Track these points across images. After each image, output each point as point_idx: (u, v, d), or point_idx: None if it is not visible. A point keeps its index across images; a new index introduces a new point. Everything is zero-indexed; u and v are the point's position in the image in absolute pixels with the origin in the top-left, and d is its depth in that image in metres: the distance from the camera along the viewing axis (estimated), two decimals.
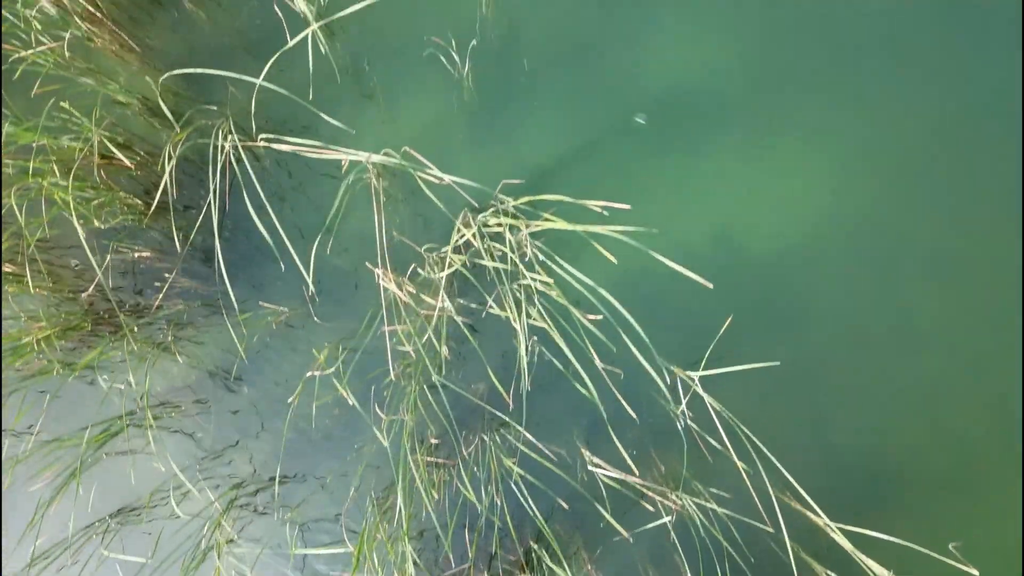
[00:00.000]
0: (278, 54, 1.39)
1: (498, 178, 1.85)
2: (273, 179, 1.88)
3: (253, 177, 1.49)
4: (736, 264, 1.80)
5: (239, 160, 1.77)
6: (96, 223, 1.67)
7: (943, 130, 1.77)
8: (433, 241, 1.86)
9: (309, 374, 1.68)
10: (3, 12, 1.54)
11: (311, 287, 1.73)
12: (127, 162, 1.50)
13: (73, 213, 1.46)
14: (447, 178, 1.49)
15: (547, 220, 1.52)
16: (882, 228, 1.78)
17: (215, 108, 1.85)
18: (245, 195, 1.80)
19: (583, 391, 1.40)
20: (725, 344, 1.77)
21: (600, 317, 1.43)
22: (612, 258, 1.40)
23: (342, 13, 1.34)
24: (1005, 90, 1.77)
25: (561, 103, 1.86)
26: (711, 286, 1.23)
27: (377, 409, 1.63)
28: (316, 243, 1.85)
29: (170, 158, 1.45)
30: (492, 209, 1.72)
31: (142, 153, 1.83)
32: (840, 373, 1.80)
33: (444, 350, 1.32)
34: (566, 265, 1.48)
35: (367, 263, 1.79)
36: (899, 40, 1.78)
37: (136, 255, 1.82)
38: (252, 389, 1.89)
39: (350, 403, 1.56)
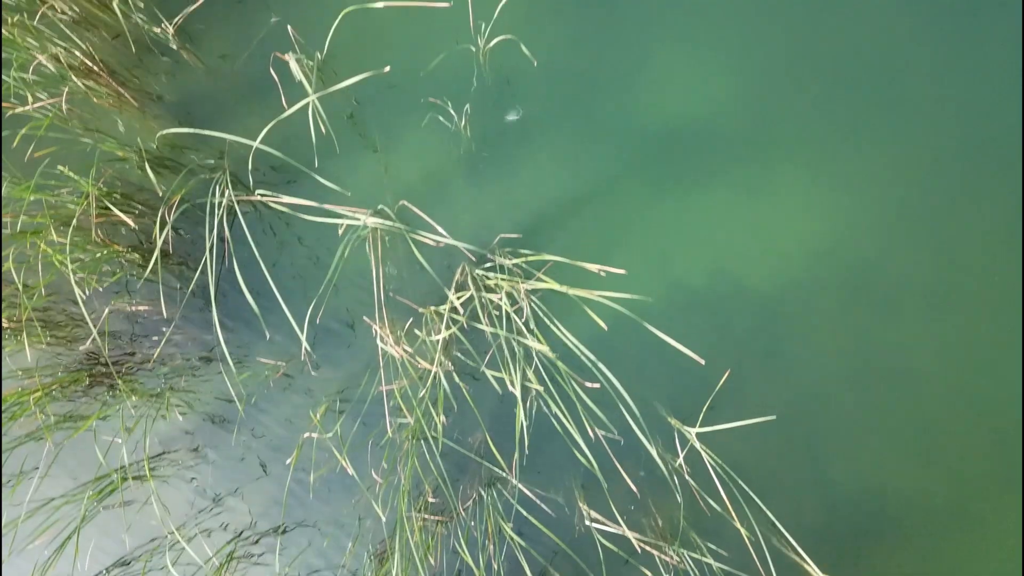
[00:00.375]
0: (275, 121, 1.39)
1: (496, 224, 1.85)
2: (271, 229, 1.88)
3: (248, 235, 1.50)
4: (734, 302, 1.80)
5: (239, 213, 1.78)
6: (94, 284, 1.67)
7: (941, 167, 1.77)
8: (433, 286, 1.86)
9: (306, 435, 1.69)
10: (2, 75, 1.55)
11: (306, 346, 1.73)
12: (125, 219, 1.51)
13: (71, 275, 1.46)
14: (444, 240, 1.49)
15: (541, 280, 1.52)
16: (880, 266, 1.78)
17: (212, 161, 1.86)
18: (235, 258, 1.81)
19: (582, 459, 1.40)
20: (725, 382, 1.77)
21: (598, 385, 1.43)
22: (603, 325, 1.40)
23: (339, 86, 1.34)
24: (1005, 124, 1.77)
25: (558, 148, 1.86)
26: (703, 362, 1.23)
27: (374, 474, 1.63)
28: (315, 294, 1.85)
29: (164, 223, 1.45)
30: (489, 264, 1.73)
31: (140, 206, 1.83)
32: (837, 413, 1.80)
33: (441, 418, 1.33)
34: (563, 330, 1.49)
35: (364, 318, 1.79)
36: (897, 76, 1.78)
37: (134, 308, 1.82)
38: (251, 433, 1.90)
39: (349, 472, 1.57)
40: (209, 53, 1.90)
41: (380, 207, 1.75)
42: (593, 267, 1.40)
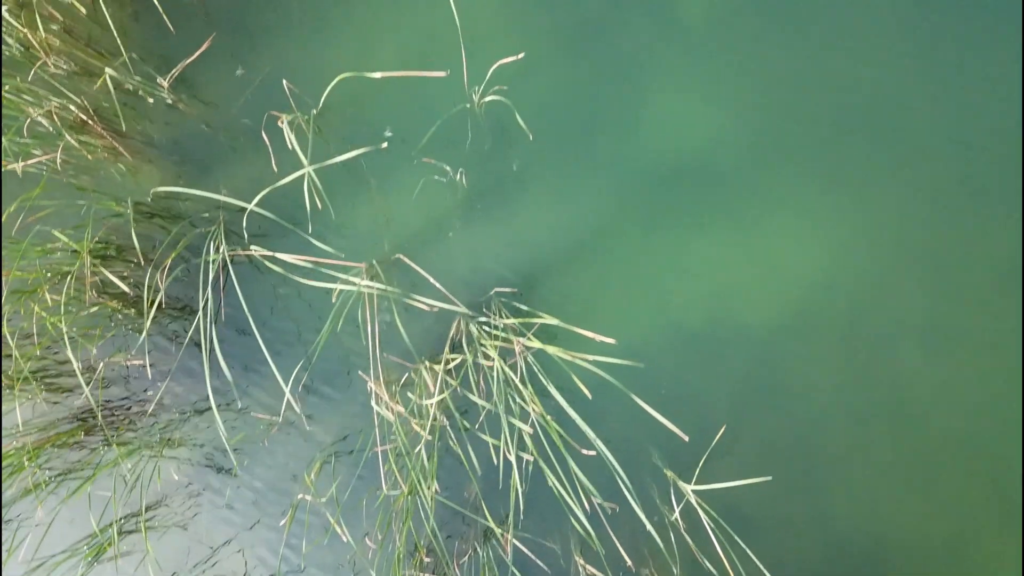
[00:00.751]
0: (269, 189, 1.39)
1: (493, 269, 1.85)
2: (266, 279, 1.88)
3: (239, 294, 1.50)
4: (731, 341, 1.81)
5: (231, 268, 1.78)
6: (92, 347, 1.67)
7: (939, 204, 1.76)
8: (428, 333, 1.85)
9: (300, 497, 1.69)
10: (1, 139, 1.55)
11: (296, 406, 1.73)
12: (120, 284, 1.51)
13: (66, 340, 1.46)
14: (437, 305, 1.49)
15: (534, 338, 1.53)
16: (878, 305, 1.78)
17: (207, 214, 1.86)
18: (231, 301, 1.81)
19: (577, 526, 1.40)
20: (721, 419, 1.78)
21: (594, 453, 1.43)
22: (588, 393, 1.41)
23: (334, 160, 1.34)
24: (1004, 167, 1.77)
25: (554, 194, 1.86)
26: (687, 439, 1.24)
27: (368, 541, 1.64)
28: (310, 338, 1.86)
29: (156, 292, 1.45)
30: (484, 319, 1.73)
31: (136, 260, 1.83)
32: (836, 455, 1.80)
33: (434, 487, 1.33)
34: (557, 395, 1.49)
35: (360, 372, 1.79)
36: (897, 117, 1.77)
37: (130, 363, 1.82)
38: (247, 480, 1.90)
39: (345, 539, 1.57)
40: (205, 99, 1.90)
41: (373, 261, 1.75)
42: (587, 333, 1.41)
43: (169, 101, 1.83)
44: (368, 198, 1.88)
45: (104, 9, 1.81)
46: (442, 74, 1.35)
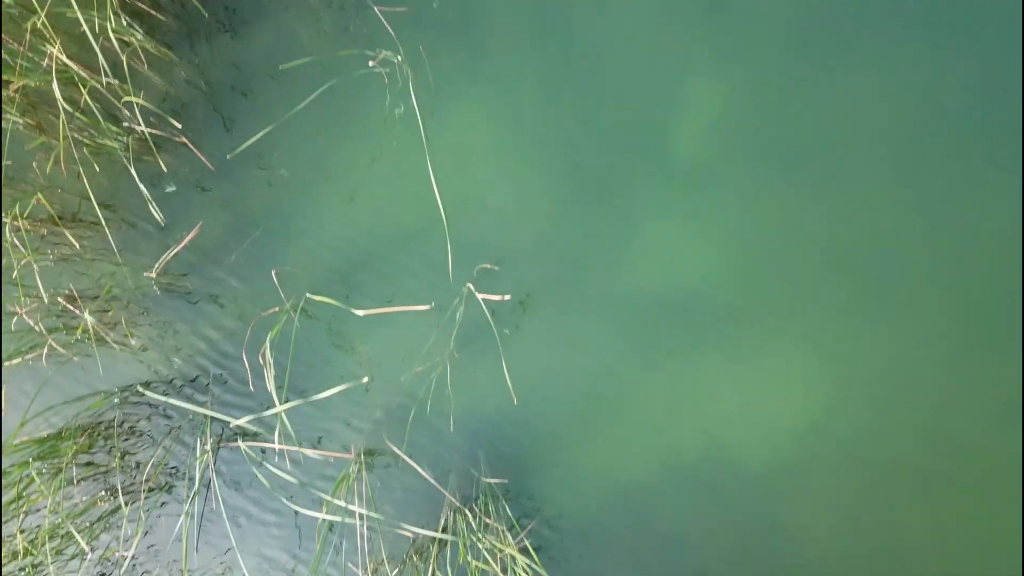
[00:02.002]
0: (251, 417, 1.38)
1: (483, 448, 1.84)
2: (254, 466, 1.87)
3: (222, 504, 1.48)
4: (723, 481, 1.80)
5: (213, 470, 1.77)
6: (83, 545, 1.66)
7: (934, 341, 1.76)
8: (422, 511, 1.83)
9: None
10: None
11: None
12: (82, 544, 1.49)
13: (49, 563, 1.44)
14: (421, 532, 1.48)
15: (523, 558, 1.51)
16: (872, 445, 1.77)
17: (194, 405, 1.85)
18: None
19: None
20: (717, 556, 1.77)
21: None
22: None
23: (318, 396, 1.33)
24: (1002, 302, 1.75)
25: (542, 364, 1.85)
26: None
27: None
28: (305, 525, 1.84)
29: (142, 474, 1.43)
30: (471, 512, 1.72)
31: (123, 454, 1.82)
32: None
33: None
34: None
35: (349, 564, 1.77)
36: (891, 255, 1.77)
37: (119, 555, 1.81)
38: None
39: None
40: (195, 276, 1.90)
41: (361, 453, 1.74)
42: None
43: (158, 292, 1.83)
44: (355, 373, 1.87)
45: (89, 191, 1.83)
46: (426, 308, 1.35)
